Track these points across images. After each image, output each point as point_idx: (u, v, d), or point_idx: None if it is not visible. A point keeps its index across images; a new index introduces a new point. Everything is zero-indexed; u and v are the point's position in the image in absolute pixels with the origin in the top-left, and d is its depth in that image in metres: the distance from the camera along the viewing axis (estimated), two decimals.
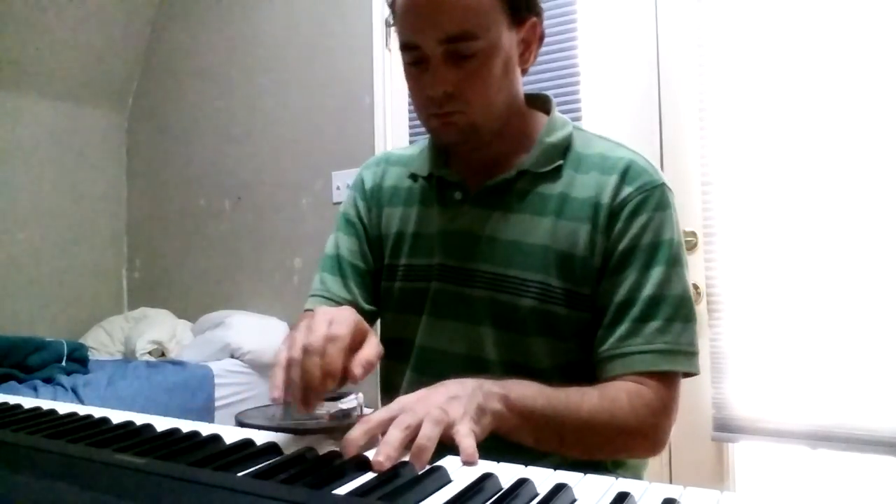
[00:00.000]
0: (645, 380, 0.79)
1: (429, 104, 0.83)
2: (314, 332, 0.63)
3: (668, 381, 0.80)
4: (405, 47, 0.82)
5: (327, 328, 0.64)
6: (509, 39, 0.82)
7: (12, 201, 2.71)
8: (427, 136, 0.96)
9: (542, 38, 0.89)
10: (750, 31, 1.74)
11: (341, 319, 0.65)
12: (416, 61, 0.82)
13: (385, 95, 2.38)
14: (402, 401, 0.66)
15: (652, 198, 0.83)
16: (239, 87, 2.79)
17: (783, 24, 1.70)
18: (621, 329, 0.81)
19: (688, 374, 0.82)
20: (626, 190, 0.83)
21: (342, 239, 0.99)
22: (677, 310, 0.81)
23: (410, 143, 2.36)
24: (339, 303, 0.93)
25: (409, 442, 0.59)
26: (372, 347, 0.67)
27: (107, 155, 3.08)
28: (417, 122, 2.33)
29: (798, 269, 1.65)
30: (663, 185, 0.85)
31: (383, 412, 0.64)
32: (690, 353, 0.81)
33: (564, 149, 0.89)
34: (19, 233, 2.73)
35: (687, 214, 1.77)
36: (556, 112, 0.93)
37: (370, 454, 0.57)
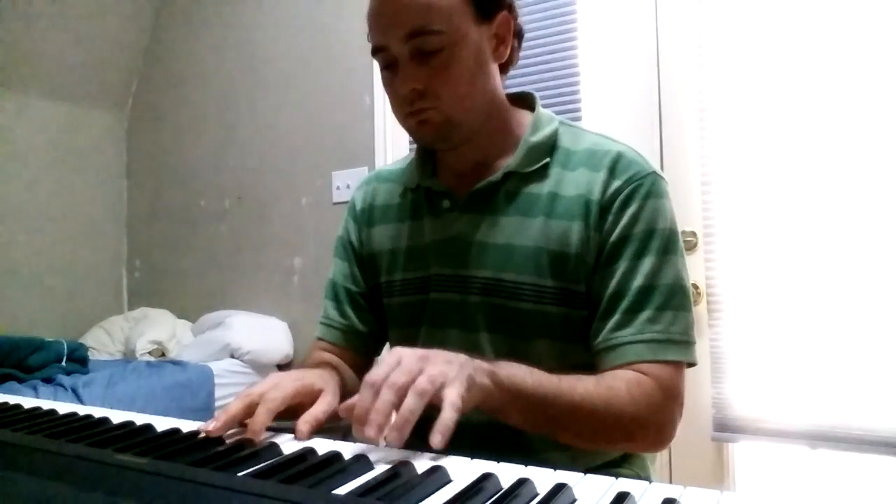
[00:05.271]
0: (645, 370, 0.77)
1: (403, 104, 0.84)
2: (255, 389, 0.71)
3: (668, 371, 0.78)
4: (375, 51, 0.84)
5: (266, 390, 0.70)
6: (478, 34, 0.82)
7: (12, 201, 2.71)
8: (414, 148, 0.97)
9: (520, 34, 0.89)
10: (750, 31, 1.74)
11: (283, 387, 0.72)
12: (386, 64, 0.84)
13: (385, 95, 2.37)
14: (400, 353, 0.65)
15: (642, 187, 0.82)
16: (239, 87, 2.78)
17: (783, 24, 1.69)
18: (612, 321, 0.80)
19: (689, 365, 0.81)
20: (615, 183, 0.82)
21: (337, 264, 1.03)
22: (669, 299, 0.79)
23: (410, 143, 2.37)
24: (338, 329, 0.99)
25: (395, 406, 0.60)
26: (321, 405, 0.71)
27: (107, 155, 3.08)
28: None
29: (798, 269, 1.65)
30: (653, 173, 0.83)
31: (383, 368, 0.64)
32: (683, 343, 0.79)
33: (551, 146, 0.87)
34: (19, 233, 2.73)
35: (687, 214, 1.77)
36: (541, 108, 0.91)
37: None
